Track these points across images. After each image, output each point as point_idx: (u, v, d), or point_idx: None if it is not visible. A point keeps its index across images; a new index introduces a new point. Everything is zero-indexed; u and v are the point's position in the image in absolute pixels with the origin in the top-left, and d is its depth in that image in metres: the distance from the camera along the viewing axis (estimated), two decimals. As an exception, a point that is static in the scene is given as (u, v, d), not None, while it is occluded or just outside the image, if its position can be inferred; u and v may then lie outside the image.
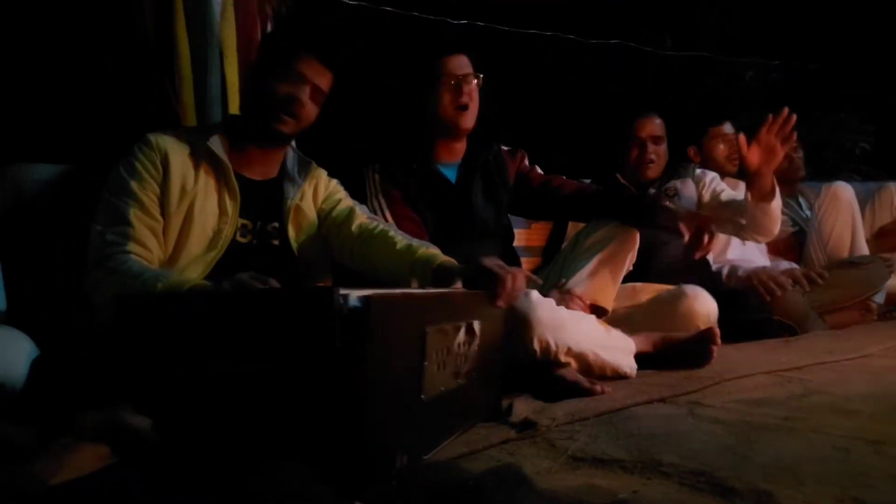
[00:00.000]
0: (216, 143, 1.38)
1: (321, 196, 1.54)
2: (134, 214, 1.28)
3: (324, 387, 0.78)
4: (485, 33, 3.33)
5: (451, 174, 1.83)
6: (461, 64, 1.76)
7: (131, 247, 1.25)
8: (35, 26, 2.07)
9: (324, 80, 1.41)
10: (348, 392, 0.77)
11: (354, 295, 0.78)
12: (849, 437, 0.99)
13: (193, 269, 1.32)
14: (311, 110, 1.42)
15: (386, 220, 1.65)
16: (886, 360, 1.69)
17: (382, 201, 1.72)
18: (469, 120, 1.77)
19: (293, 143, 1.57)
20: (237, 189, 1.38)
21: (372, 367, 0.79)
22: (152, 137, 1.35)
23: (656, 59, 4.18)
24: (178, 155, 1.35)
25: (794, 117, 1.85)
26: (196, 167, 1.36)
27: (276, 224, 1.45)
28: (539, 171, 1.96)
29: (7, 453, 0.82)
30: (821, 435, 1.01)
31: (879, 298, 2.50)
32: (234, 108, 2.10)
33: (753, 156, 1.92)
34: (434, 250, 1.38)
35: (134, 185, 1.30)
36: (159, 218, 1.31)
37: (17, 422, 0.94)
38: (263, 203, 1.44)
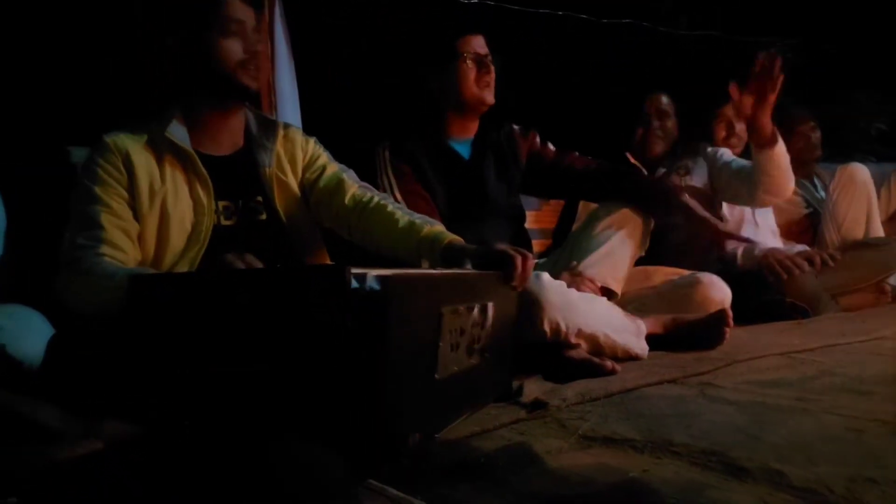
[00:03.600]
0: (176, 130, 1.31)
1: (300, 161, 1.45)
2: (105, 218, 1.22)
3: (338, 367, 0.79)
4: (496, 12, 3.29)
5: (464, 151, 1.83)
6: (481, 43, 1.78)
7: (104, 249, 1.20)
8: (36, 24, 2.08)
9: (252, 17, 1.34)
10: (363, 373, 0.77)
11: (372, 276, 0.77)
12: (862, 418, 0.99)
13: (180, 267, 1.27)
14: (261, 53, 1.36)
15: (395, 198, 1.63)
16: (900, 342, 1.68)
17: (392, 177, 1.70)
18: (492, 96, 1.79)
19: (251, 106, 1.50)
20: (206, 176, 1.31)
21: (388, 348, 0.79)
22: (109, 140, 1.28)
23: (670, 39, 4.12)
24: (139, 153, 1.28)
25: (779, 59, 1.85)
26: (160, 162, 1.29)
27: (260, 198, 1.38)
28: (551, 147, 1.96)
29: (28, 431, 0.83)
30: (834, 416, 1.01)
31: (893, 280, 2.47)
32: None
33: (746, 103, 1.92)
34: (438, 227, 1.33)
35: (99, 190, 1.24)
36: (132, 220, 1.26)
37: (37, 399, 0.95)
38: (239, 178, 1.37)
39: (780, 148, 2.00)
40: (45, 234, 1.57)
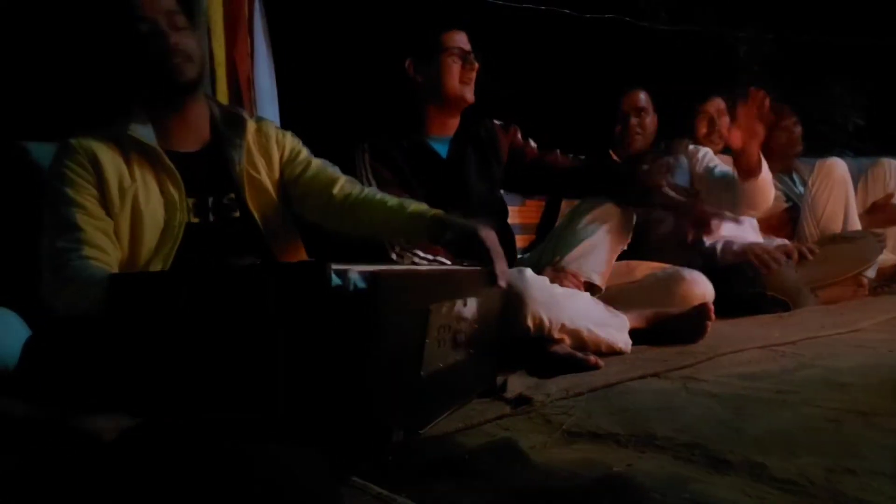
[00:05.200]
0: (139, 128, 1.27)
1: (276, 156, 1.41)
2: (81, 219, 1.19)
3: (321, 364, 0.78)
4: (479, 6, 3.29)
5: (442, 149, 1.82)
6: (465, 39, 1.79)
7: (87, 251, 1.17)
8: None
9: (169, 2, 1.26)
10: (348, 371, 0.77)
11: (357, 273, 0.76)
12: (840, 409, 1.00)
13: (154, 265, 1.24)
14: (188, 38, 1.27)
15: None
16: (877, 334, 1.70)
17: (373, 182, 1.70)
18: (472, 94, 1.80)
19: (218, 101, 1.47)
20: (175, 171, 1.27)
21: (374, 346, 0.78)
22: (74, 142, 1.25)
23: (651, 34, 4.15)
24: (105, 153, 1.24)
25: (766, 98, 1.86)
26: (127, 161, 1.26)
27: (232, 194, 1.34)
28: (533, 145, 1.96)
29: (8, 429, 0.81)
30: (813, 408, 1.02)
31: (871, 273, 2.51)
32: (221, 85, 2.06)
33: (735, 137, 1.94)
34: (424, 206, 1.31)
35: (71, 192, 1.21)
36: (107, 219, 1.22)
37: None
38: (208, 174, 1.32)
39: (765, 174, 2.02)
40: (17, 234, 1.54)
